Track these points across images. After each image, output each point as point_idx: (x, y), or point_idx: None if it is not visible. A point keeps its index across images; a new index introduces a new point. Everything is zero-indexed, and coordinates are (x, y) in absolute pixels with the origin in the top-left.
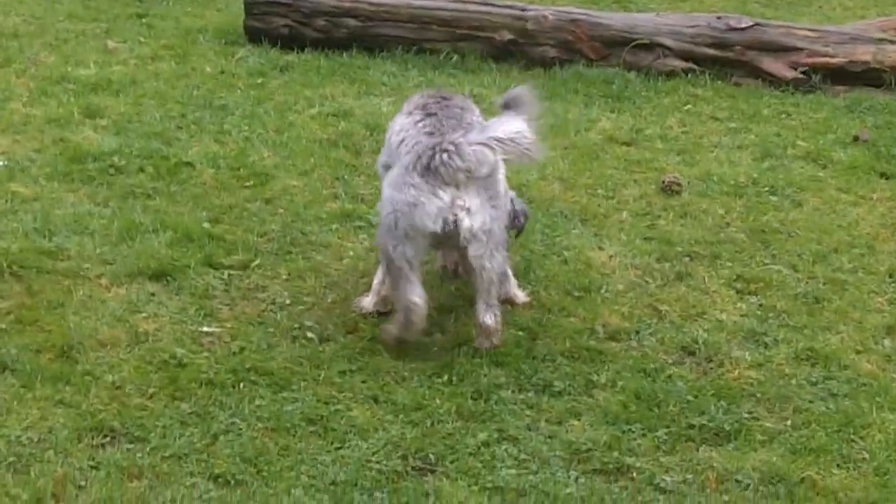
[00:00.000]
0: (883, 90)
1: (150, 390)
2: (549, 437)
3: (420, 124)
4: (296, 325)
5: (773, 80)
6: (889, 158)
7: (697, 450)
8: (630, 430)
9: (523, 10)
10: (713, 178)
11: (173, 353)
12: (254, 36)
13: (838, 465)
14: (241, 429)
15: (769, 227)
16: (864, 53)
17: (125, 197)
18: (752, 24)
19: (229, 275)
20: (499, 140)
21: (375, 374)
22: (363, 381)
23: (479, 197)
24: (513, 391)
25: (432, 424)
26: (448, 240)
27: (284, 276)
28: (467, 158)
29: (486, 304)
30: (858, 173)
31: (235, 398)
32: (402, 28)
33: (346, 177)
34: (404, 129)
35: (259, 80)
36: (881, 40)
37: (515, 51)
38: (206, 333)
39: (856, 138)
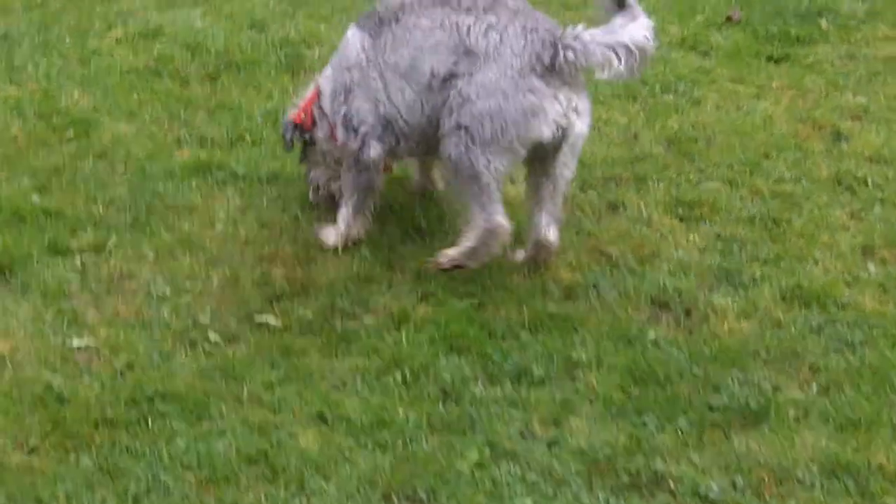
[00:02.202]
0: None
1: (32, 441)
2: (552, 444)
3: (492, 19)
4: (189, 324)
5: None
6: (769, 39)
7: (730, 439)
8: (643, 422)
9: None
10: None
11: (47, 383)
12: None
13: None
14: (167, 485)
15: (682, 134)
16: None
17: None
18: None
19: (83, 262)
20: (627, 48)
21: (309, 380)
22: (297, 394)
23: (588, 97)
24: (484, 384)
25: (405, 446)
26: (544, 147)
27: (152, 257)
28: (593, 59)
29: (551, 217)
30: (745, 59)
31: (147, 440)
32: None
33: (182, 115)
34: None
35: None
36: None
37: None
38: (79, 348)
39: (728, 18)
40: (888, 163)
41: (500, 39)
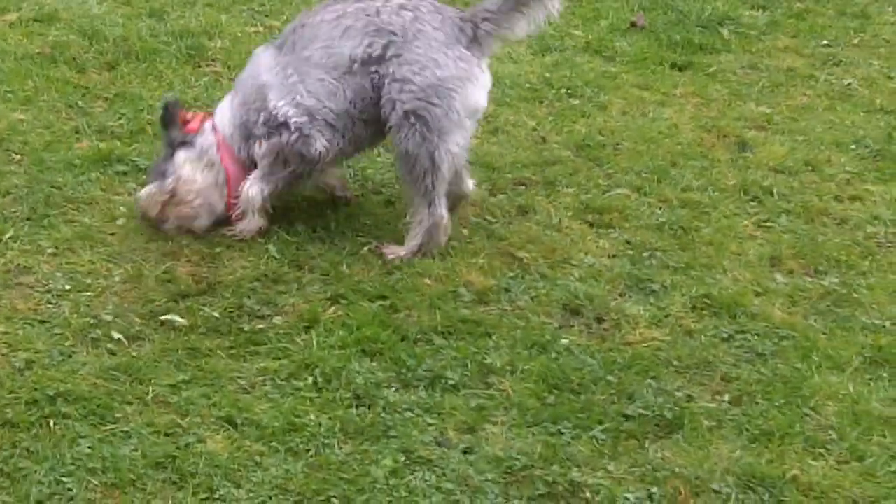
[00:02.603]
0: None
1: None
2: (468, 452)
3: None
4: (90, 321)
5: None
6: (672, 46)
7: (645, 449)
8: (559, 431)
9: None
10: (504, 81)
11: None
12: None
13: (811, 454)
14: (71, 489)
15: (589, 139)
16: None
17: None
18: None
19: None
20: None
21: (217, 383)
22: (205, 397)
23: None
24: (398, 390)
25: (317, 452)
26: None
27: (50, 250)
28: (504, 26)
29: (465, 170)
30: (650, 65)
31: (49, 443)
32: None
33: (80, 103)
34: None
35: None
36: None
37: None
38: None
39: (633, 24)
40: (793, 173)
41: (415, 17)
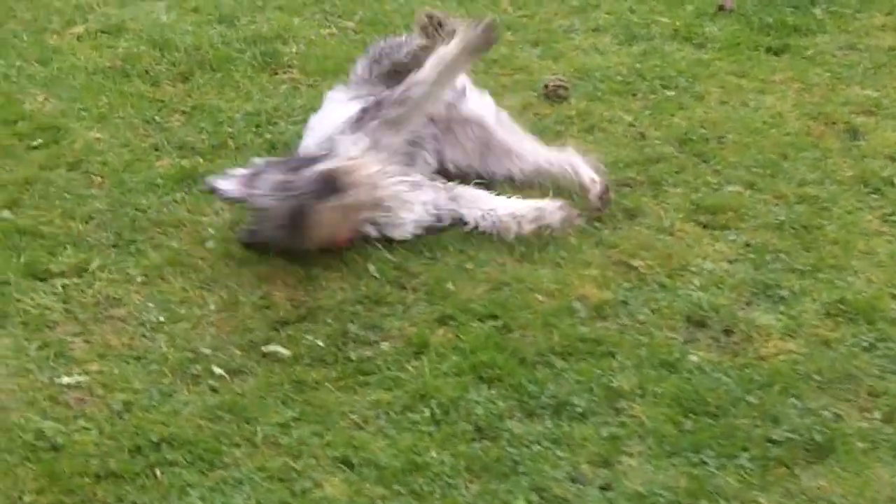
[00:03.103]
0: None
1: (27, 498)
2: (606, 488)
3: None
4: (188, 356)
5: None
6: (765, 28)
7: (797, 476)
8: (702, 461)
9: None
10: (594, 74)
11: (38, 430)
12: None
13: None
14: None
15: (691, 133)
16: None
17: None
18: None
19: (64, 286)
20: None
21: (327, 418)
22: (317, 435)
23: None
24: (522, 420)
25: (443, 494)
26: None
27: (140, 279)
28: None
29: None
30: (744, 51)
31: (157, 495)
32: None
33: (157, 118)
34: None
35: None
36: None
37: None
38: (69, 386)
39: (721, 7)
40: None
41: None
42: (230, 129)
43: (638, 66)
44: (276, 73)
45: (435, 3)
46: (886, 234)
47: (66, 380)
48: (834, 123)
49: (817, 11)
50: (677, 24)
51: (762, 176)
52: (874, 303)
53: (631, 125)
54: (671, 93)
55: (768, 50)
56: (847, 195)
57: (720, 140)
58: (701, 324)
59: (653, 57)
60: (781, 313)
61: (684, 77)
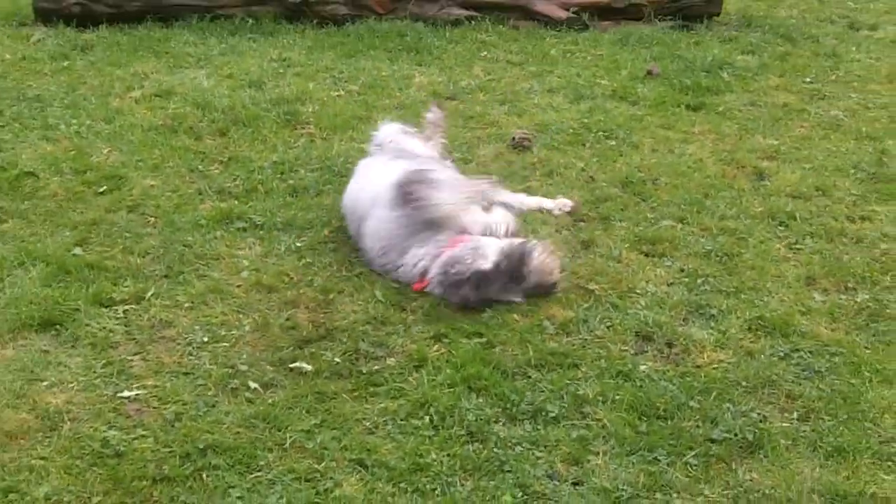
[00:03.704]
0: (643, 22)
1: (95, 500)
2: (577, 484)
3: None
4: (228, 371)
5: (547, 21)
6: (684, 89)
7: (734, 471)
8: (656, 458)
9: None
10: (551, 127)
11: (103, 438)
12: (45, 16)
13: (881, 468)
14: None
15: (631, 176)
16: None
17: None
18: None
19: (125, 311)
20: None
21: (344, 425)
22: (336, 440)
23: None
24: (506, 424)
25: (443, 491)
26: None
27: (187, 305)
28: None
29: None
30: (669, 108)
31: (204, 496)
32: None
33: (200, 168)
34: None
35: (64, 64)
36: None
37: (307, 10)
38: (129, 399)
39: (649, 73)
40: (807, 198)
41: None
42: (260, 176)
43: (586, 120)
44: (296, 129)
45: (420, 71)
46: (792, 260)
47: (126, 393)
48: (744, 167)
49: (725, 75)
50: (615, 85)
51: (690, 212)
52: (787, 319)
53: (583, 170)
54: (613, 142)
55: (688, 107)
56: (759, 227)
57: (655, 182)
58: (648, 338)
59: (597, 113)
60: (712, 328)
61: (623, 129)
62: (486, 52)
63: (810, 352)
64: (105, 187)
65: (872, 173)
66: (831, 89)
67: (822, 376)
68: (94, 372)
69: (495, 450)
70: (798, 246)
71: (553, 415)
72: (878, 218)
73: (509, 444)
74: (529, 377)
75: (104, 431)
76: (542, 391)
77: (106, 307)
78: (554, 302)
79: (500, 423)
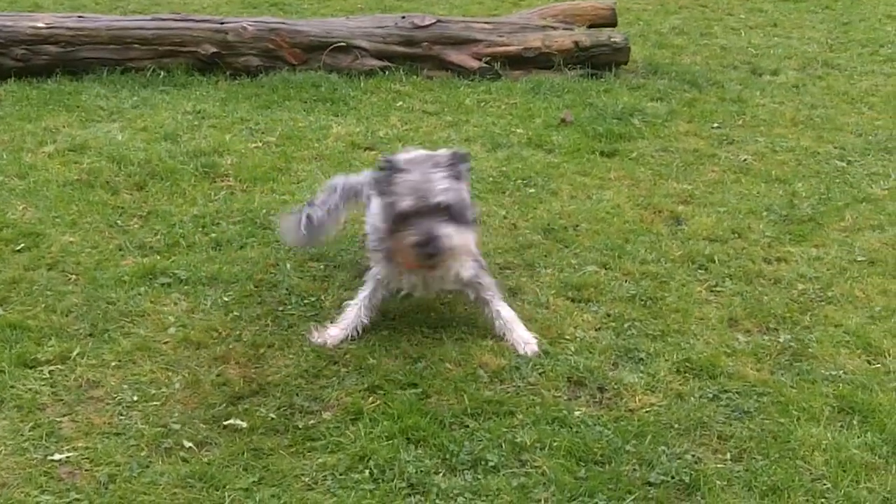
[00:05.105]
0: (553, 71)
1: None
2: None
3: None
4: (160, 430)
5: (460, 71)
6: (598, 136)
7: None
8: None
9: (221, 23)
10: (471, 176)
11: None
12: None
13: None
14: None
15: (552, 223)
16: (535, 40)
17: None
18: (434, 20)
19: (51, 372)
20: None
21: (283, 482)
22: (276, 497)
23: None
24: (446, 475)
25: None
26: None
27: (114, 363)
28: None
29: None
30: (584, 154)
31: None
32: (105, 50)
33: (119, 223)
34: None
35: None
36: (545, 27)
37: (220, 62)
38: (60, 462)
39: (562, 120)
40: (724, 241)
41: None
42: (181, 231)
43: (504, 168)
44: (215, 181)
45: (337, 121)
46: (714, 302)
47: (57, 456)
48: (660, 212)
49: (636, 121)
50: (530, 134)
51: (612, 257)
52: (713, 360)
53: (504, 217)
54: (532, 190)
55: (602, 153)
56: (680, 271)
57: (575, 228)
58: (580, 383)
59: (515, 161)
60: (642, 372)
61: (541, 177)
62: (401, 102)
63: (738, 392)
64: (22, 245)
65: (784, 215)
66: (739, 134)
67: (751, 416)
68: (22, 435)
69: (437, 502)
70: (718, 288)
71: (493, 464)
72: (793, 259)
73: (450, 495)
74: (467, 426)
75: (36, 496)
76: (481, 440)
77: (31, 368)
78: (486, 350)
79: (441, 474)
